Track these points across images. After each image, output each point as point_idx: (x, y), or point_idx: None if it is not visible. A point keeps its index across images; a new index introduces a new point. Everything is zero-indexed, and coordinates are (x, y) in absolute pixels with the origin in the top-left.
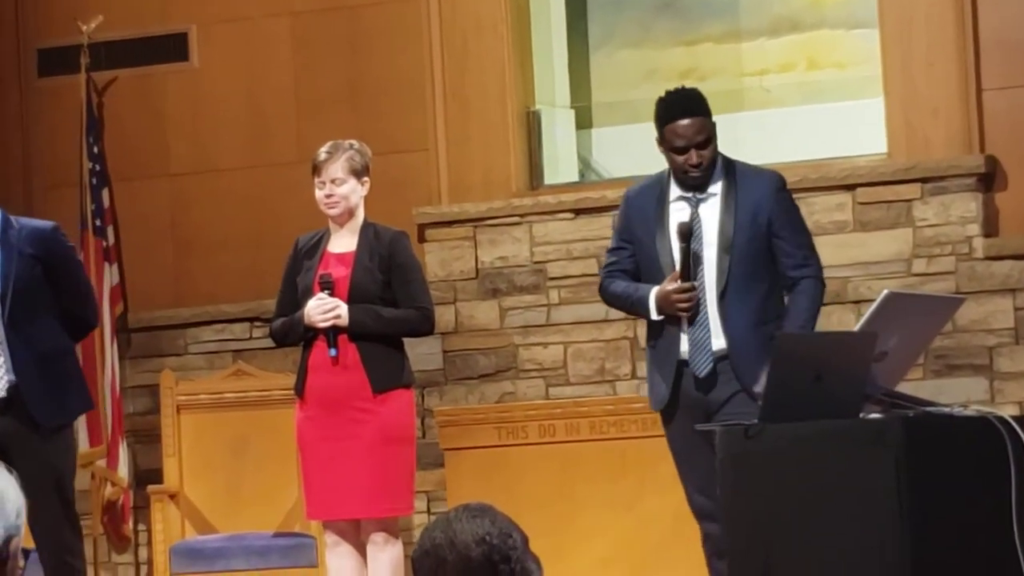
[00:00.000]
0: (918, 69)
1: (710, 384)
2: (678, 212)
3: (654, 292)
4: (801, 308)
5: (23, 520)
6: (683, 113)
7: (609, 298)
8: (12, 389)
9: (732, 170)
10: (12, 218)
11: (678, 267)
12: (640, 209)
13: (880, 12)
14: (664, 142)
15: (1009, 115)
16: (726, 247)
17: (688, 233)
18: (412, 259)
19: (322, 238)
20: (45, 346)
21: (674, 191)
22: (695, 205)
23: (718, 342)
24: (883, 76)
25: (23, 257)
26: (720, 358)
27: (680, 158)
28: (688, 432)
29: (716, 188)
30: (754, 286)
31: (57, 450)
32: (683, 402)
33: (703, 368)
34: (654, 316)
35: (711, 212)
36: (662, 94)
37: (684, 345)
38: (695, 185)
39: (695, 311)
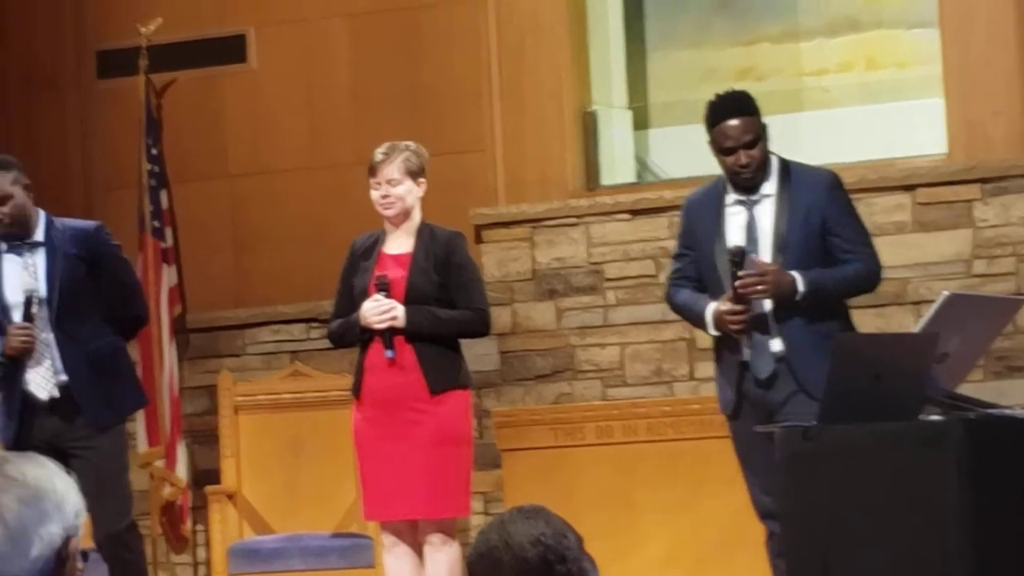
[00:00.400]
0: (978, 68)
1: (770, 385)
2: (734, 216)
3: (710, 309)
4: (833, 271)
5: (82, 521)
6: (730, 114)
7: (674, 308)
8: (63, 389)
9: (787, 171)
10: (56, 220)
11: (728, 289)
12: (699, 215)
13: (940, 11)
14: (714, 144)
15: None
16: (780, 247)
17: (740, 256)
18: (468, 260)
19: (378, 239)
20: (94, 345)
21: (730, 195)
22: (750, 207)
23: (776, 344)
24: (943, 76)
25: (68, 258)
26: (780, 359)
27: (729, 159)
28: (751, 433)
29: (770, 189)
30: None
31: (111, 448)
32: (746, 404)
33: (764, 370)
34: (712, 332)
35: (766, 213)
36: (711, 97)
37: (746, 348)
38: (748, 186)
39: (749, 330)
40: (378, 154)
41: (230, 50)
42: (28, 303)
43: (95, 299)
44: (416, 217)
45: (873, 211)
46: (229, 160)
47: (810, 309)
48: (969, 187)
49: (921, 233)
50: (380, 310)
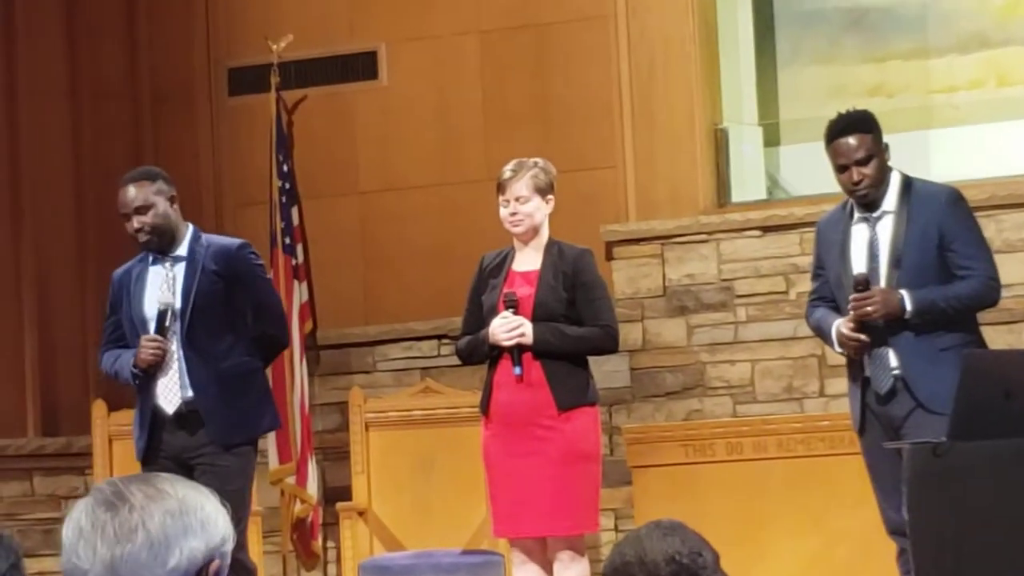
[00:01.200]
0: None
1: (889, 399)
2: (859, 234)
3: (835, 328)
4: (945, 288)
5: (229, 548)
6: (843, 132)
7: (810, 327)
8: (188, 405)
9: (908, 187)
10: (203, 235)
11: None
12: (828, 237)
13: None
14: (831, 162)
15: None
16: (896, 262)
17: (865, 284)
18: (596, 277)
19: (507, 256)
20: (227, 363)
21: (856, 213)
22: (873, 224)
23: (894, 359)
24: None
25: (206, 274)
26: (897, 374)
27: (843, 176)
28: (878, 448)
29: (891, 206)
30: None
31: (235, 468)
32: (871, 419)
33: (884, 385)
34: (837, 350)
35: (886, 229)
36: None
37: (867, 363)
38: (866, 203)
39: (870, 347)
40: (506, 171)
41: (361, 67)
42: (162, 316)
43: (233, 318)
44: (544, 234)
45: (1003, 228)
46: (360, 176)
47: (925, 324)
48: None
49: None
50: (508, 327)
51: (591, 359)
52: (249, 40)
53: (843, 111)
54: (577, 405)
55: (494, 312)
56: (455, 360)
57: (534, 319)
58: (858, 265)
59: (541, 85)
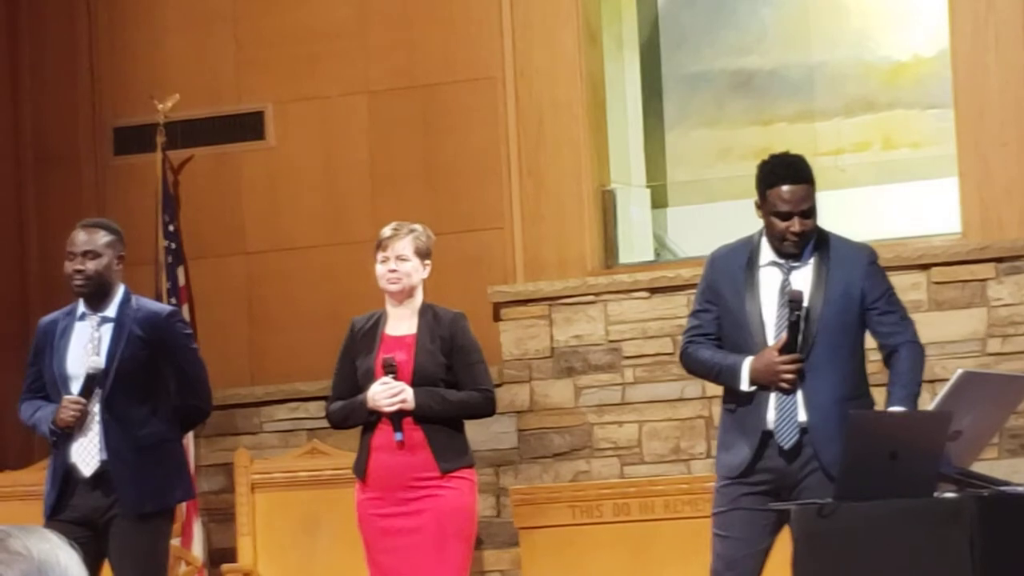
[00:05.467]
0: (992, 149)
1: (792, 456)
2: (769, 277)
3: (748, 362)
4: (904, 371)
5: None
6: (790, 179)
7: (692, 364)
8: (103, 468)
9: (826, 241)
10: (134, 297)
11: (785, 335)
12: (728, 272)
13: (954, 92)
14: (766, 206)
15: None
16: (815, 318)
17: (800, 302)
18: (472, 341)
19: (379, 320)
20: (145, 431)
21: (765, 256)
22: (787, 272)
23: (803, 414)
24: (957, 156)
25: (132, 339)
26: (803, 430)
27: (782, 224)
28: (741, 499)
29: (808, 258)
30: (839, 360)
31: (145, 535)
32: (759, 472)
33: (789, 440)
34: (745, 387)
35: (801, 281)
36: (765, 157)
37: (771, 414)
38: (790, 253)
39: (792, 387)
40: (387, 230)
41: (248, 127)
42: (90, 380)
43: (155, 385)
44: (419, 298)
45: None
46: (247, 236)
47: (838, 384)
48: (984, 266)
49: (936, 312)
50: (390, 393)
51: (480, 421)
52: (135, 99)
53: (778, 154)
54: (459, 467)
55: (370, 377)
56: None
57: (414, 384)
58: (768, 309)
59: (429, 146)
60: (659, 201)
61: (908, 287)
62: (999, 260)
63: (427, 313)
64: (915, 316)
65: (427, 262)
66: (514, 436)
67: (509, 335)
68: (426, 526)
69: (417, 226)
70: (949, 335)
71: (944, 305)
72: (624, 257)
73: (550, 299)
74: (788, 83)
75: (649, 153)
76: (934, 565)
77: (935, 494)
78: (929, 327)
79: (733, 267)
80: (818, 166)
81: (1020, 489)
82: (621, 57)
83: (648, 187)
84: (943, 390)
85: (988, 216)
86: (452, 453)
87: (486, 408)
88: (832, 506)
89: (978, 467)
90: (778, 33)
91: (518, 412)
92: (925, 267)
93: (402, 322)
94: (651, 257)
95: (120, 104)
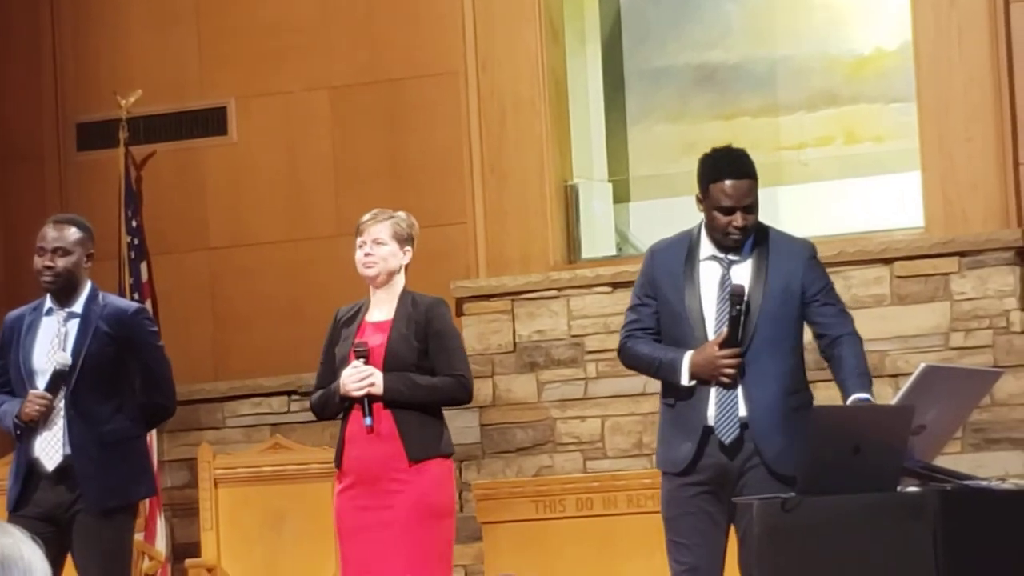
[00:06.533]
0: (956, 143)
1: (733, 451)
2: (708, 272)
3: (688, 356)
4: (850, 360)
5: None
6: (732, 173)
7: (630, 359)
8: (66, 463)
9: (765, 236)
10: (101, 293)
11: (725, 330)
12: (667, 266)
13: (918, 87)
14: (708, 200)
15: None
16: (755, 312)
17: (741, 297)
18: (450, 326)
19: (361, 308)
20: (108, 427)
21: (704, 250)
22: (727, 266)
23: (743, 409)
24: (921, 150)
25: (98, 335)
26: (744, 425)
27: (724, 218)
28: (687, 497)
29: (749, 252)
30: (780, 355)
31: (108, 531)
32: (701, 468)
33: (729, 435)
34: (685, 382)
35: (741, 275)
36: (708, 151)
37: (711, 410)
38: (731, 247)
39: (733, 381)
40: (366, 215)
41: (211, 122)
42: (57, 376)
43: (120, 381)
44: (399, 284)
45: (851, 284)
46: (210, 232)
47: (778, 379)
48: (947, 260)
49: (899, 306)
50: (358, 377)
51: (445, 413)
52: (98, 95)
53: (720, 148)
54: (429, 456)
55: (346, 363)
56: (306, 416)
57: (385, 368)
58: (708, 304)
59: (391, 141)
60: (621, 196)
61: (871, 281)
62: (962, 254)
63: (406, 299)
64: (878, 310)
65: (407, 248)
66: (477, 431)
67: (472, 330)
68: (395, 521)
69: (399, 213)
70: (912, 329)
71: (907, 299)
72: (587, 252)
73: (513, 294)
74: (751, 77)
75: (611, 148)
76: (897, 559)
77: (899, 488)
78: (892, 321)
79: (672, 261)
80: (781, 160)
81: (984, 483)
82: (584, 52)
83: (610, 182)
84: (906, 384)
85: (951, 210)
86: (423, 441)
87: (460, 393)
88: (795, 500)
89: (942, 461)
90: (742, 27)
91: (481, 407)
92: (888, 261)
93: (382, 308)
94: (613, 252)
95: (83, 100)
